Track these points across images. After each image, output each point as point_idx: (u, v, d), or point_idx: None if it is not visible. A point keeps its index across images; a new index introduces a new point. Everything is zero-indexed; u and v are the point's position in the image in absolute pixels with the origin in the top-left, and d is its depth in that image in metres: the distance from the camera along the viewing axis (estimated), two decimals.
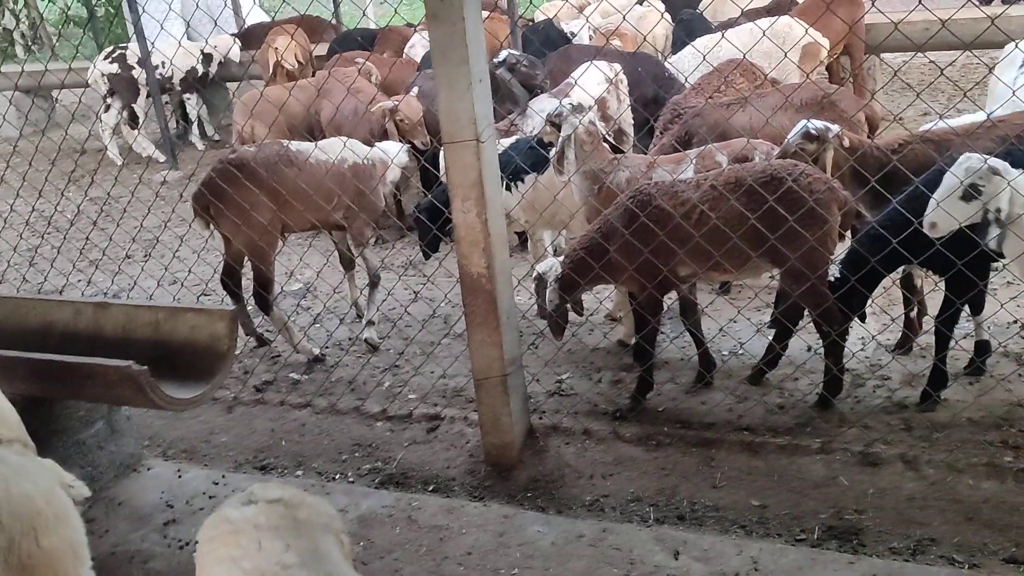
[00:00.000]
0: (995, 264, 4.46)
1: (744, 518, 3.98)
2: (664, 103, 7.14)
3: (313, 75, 10.60)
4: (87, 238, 6.89)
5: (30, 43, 20.00)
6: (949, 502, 3.90)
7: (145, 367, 3.65)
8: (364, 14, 15.67)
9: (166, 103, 12.84)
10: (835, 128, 4.91)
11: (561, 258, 4.99)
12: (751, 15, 9.23)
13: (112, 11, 17.98)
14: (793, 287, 4.55)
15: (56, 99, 13.56)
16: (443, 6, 3.78)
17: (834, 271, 4.49)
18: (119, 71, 12.05)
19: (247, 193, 5.58)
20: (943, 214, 3.95)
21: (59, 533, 2.53)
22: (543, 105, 6.90)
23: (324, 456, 4.90)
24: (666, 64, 8.64)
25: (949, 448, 4.26)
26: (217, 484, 4.51)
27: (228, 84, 13.81)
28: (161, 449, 5.16)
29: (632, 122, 7.99)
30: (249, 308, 6.34)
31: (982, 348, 4.86)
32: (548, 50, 9.18)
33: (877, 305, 5.02)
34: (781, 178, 4.37)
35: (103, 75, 12.06)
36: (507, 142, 6.32)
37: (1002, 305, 4.63)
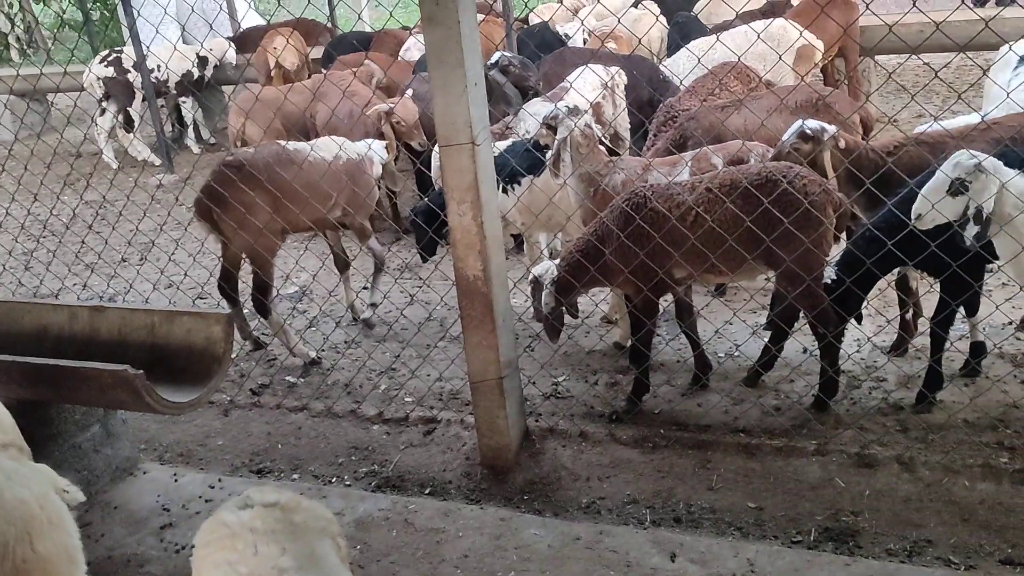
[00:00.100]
0: (990, 266, 4.47)
1: (740, 520, 3.98)
2: (659, 106, 7.15)
3: (309, 78, 10.61)
4: (83, 242, 6.89)
5: (25, 47, 19.97)
6: (945, 503, 3.91)
7: (141, 371, 3.65)
8: (359, 17, 15.69)
9: (161, 107, 12.85)
10: (831, 129, 4.92)
11: (557, 261, 4.99)
12: (746, 18, 9.25)
13: (107, 15, 17.97)
14: (789, 289, 4.55)
15: (51, 103, 13.59)
16: (438, 9, 3.79)
17: (830, 273, 4.50)
18: (115, 75, 12.06)
19: (248, 195, 5.59)
20: (929, 206, 3.98)
21: (54, 538, 2.53)
22: (537, 108, 6.91)
23: (320, 459, 4.90)
24: (661, 67, 8.65)
25: (945, 449, 4.27)
26: (213, 488, 4.51)
27: (223, 87, 13.82)
28: (157, 453, 5.16)
29: (628, 126, 8.00)
30: (245, 311, 6.34)
31: (977, 350, 4.87)
32: (543, 53, 9.19)
33: (872, 307, 5.03)
34: (776, 180, 4.38)
35: (99, 79, 12.07)
36: (503, 145, 6.33)
37: (997, 307, 4.65)
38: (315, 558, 2.25)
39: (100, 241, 7.05)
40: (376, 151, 6.43)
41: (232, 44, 13.27)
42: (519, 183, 6.06)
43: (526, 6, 13.47)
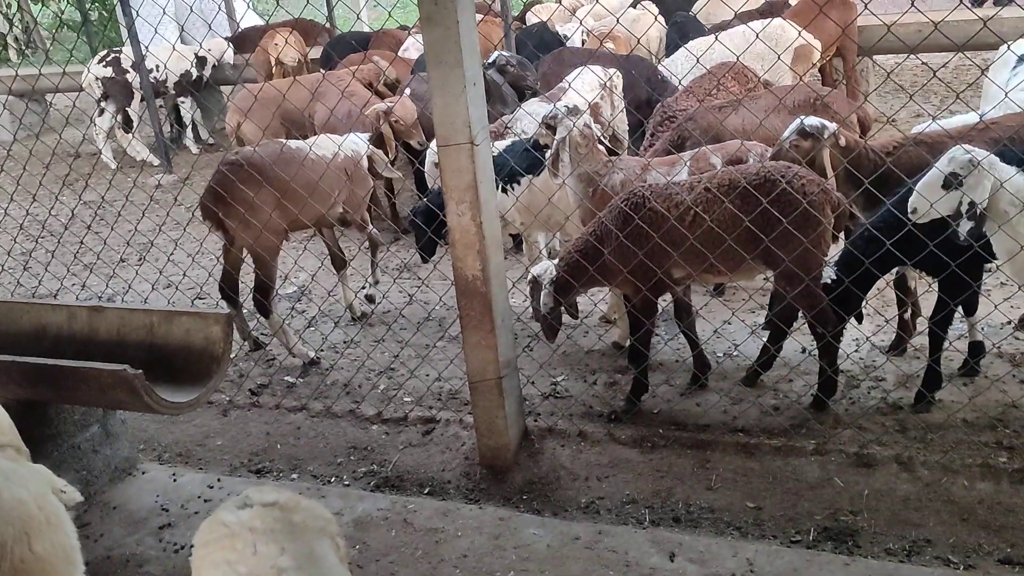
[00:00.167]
0: (988, 265, 4.47)
1: (739, 520, 3.99)
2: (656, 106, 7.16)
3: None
4: (81, 242, 6.88)
5: (24, 47, 19.97)
6: (944, 503, 3.91)
7: (140, 371, 3.64)
8: (358, 17, 15.68)
9: (160, 107, 12.84)
10: (832, 126, 4.91)
11: (555, 261, 4.99)
12: (744, 17, 9.25)
13: (106, 15, 17.96)
14: (787, 289, 4.55)
15: (50, 103, 13.58)
16: (437, 9, 3.78)
17: (829, 273, 4.50)
18: (113, 75, 12.05)
19: (253, 194, 5.61)
20: (923, 200, 3.98)
21: (52, 538, 2.52)
22: (535, 109, 6.91)
23: (319, 459, 4.90)
24: (660, 67, 8.66)
25: (944, 449, 4.27)
26: (212, 488, 4.50)
27: (222, 87, 13.82)
28: (156, 453, 5.16)
29: (627, 127, 8.01)
30: (244, 312, 6.34)
31: (976, 349, 4.88)
32: (542, 53, 9.20)
33: (871, 306, 5.03)
34: (775, 180, 4.38)
35: (97, 79, 12.07)
36: (502, 144, 6.32)
37: (996, 306, 4.65)
38: (314, 558, 2.25)
39: (99, 241, 7.04)
40: (359, 143, 6.52)
41: (231, 44, 13.28)
42: (518, 183, 6.07)
43: (524, 5, 13.46)
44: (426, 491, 4.48)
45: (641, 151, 6.75)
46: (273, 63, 11.54)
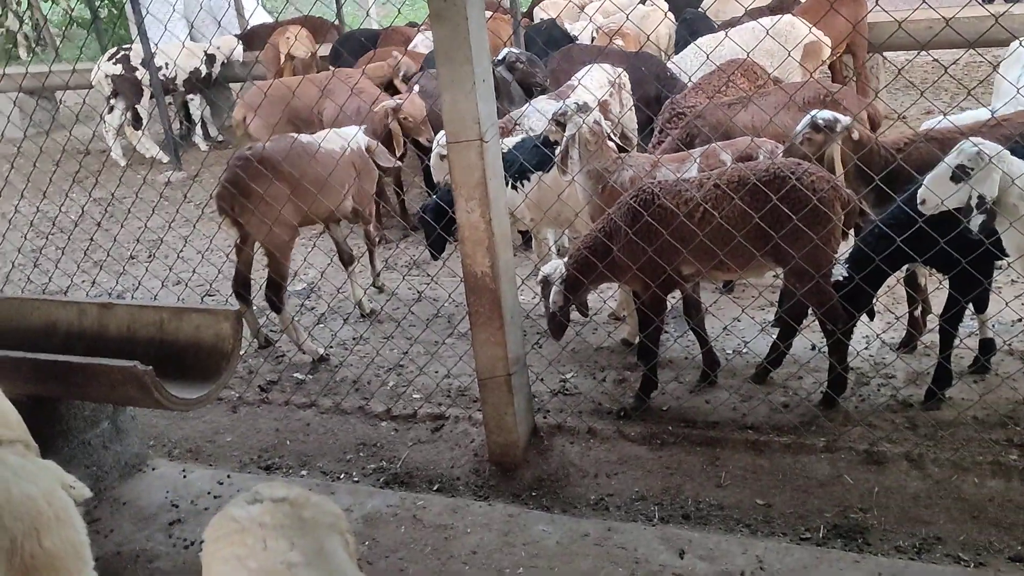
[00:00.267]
0: (999, 262, 4.45)
1: (749, 517, 3.98)
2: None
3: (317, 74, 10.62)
4: (91, 239, 6.90)
5: (34, 44, 20.02)
6: (954, 500, 3.90)
7: (150, 367, 3.65)
8: (367, 14, 15.69)
9: (169, 104, 12.87)
10: (845, 120, 4.88)
11: (565, 259, 4.99)
12: (754, 14, 9.23)
13: (115, 12, 18.01)
14: (797, 286, 4.54)
15: (60, 100, 13.59)
16: (446, 6, 3.78)
17: (840, 271, 4.49)
18: (123, 72, 12.08)
19: (270, 187, 5.64)
20: (935, 190, 3.97)
21: (61, 534, 2.53)
22: (543, 106, 6.91)
23: (329, 456, 4.90)
24: (669, 64, 8.64)
25: (954, 446, 4.26)
26: (222, 484, 4.52)
27: (231, 85, 13.84)
28: (166, 449, 5.17)
29: (636, 126, 8.00)
30: (254, 308, 6.35)
31: (987, 346, 4.86)
32: (551, 50, 9.19)
33: (881, 303, 5.01)
34: (785, 177, 4.37)
35: (107, 76, 12.10)
36: (511, 141, 6.32)
37: (1007, 303, 4.63)
38: (324, 553, 2.25)
39: (109, 238, 7.05)
40: (358, 136, 6.58)
41: (240, 41, 13.30)
42: (528, 179, 6.06)
43: (532, 1, 13.45)
44: (435, 488, 4.48)
45: (650, 148, 6.74)
46: (283, 58, 11.54)
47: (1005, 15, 8.07)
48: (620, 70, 7.76)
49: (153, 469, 4.72)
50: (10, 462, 2.61)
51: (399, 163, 6.81)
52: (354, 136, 6.43)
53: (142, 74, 12.02)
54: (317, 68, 11.74)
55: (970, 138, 3.96)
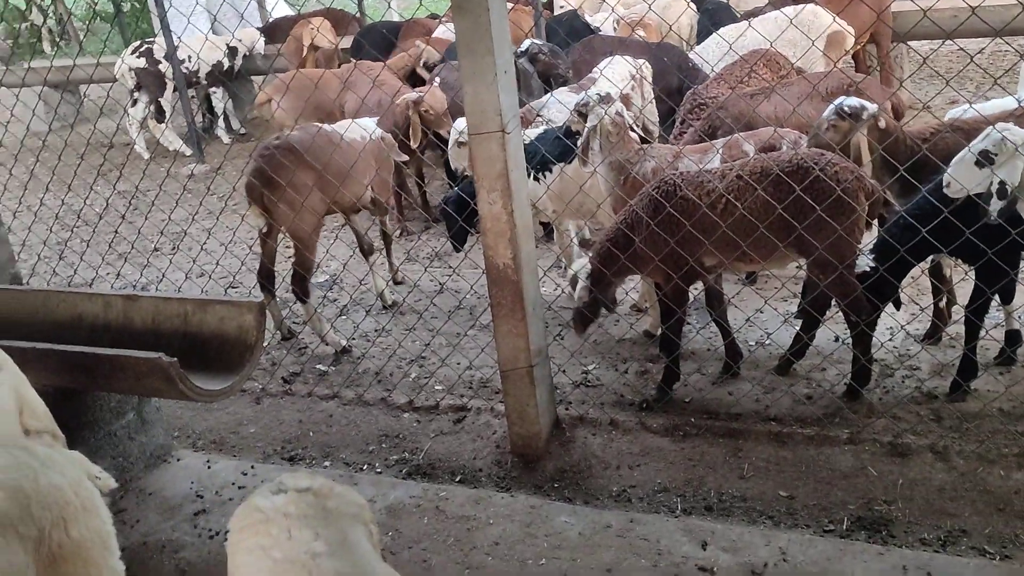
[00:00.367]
0: None
1: (772, 509, 3.97)
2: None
3: (339, 67, 10.64)
4: (116, 231, 6.96)
5: (58, 38, 20.15)
6: (980, 493, 3.87)
7: (174, 358, 3.68)
8: (389, 6, 15.67)
9: (192, 97, 12.93)
10: (872, 107, 4.83)
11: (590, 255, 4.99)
12: (777, 3, 9.16)
13: (138, 6, 18.08)
14: (820, 277, 4.52)
15: (84, 94, 13.71)
16: None
17: (866, 262, 4.46)
18: (146, 65, 12.15)
19: (297, 176, 5.67)
20: (959, 175, 3.95)
21: (88, 523, 2.55)
22: (564, 98, 6.90)
23: (352, 447, 4.92)
24: (691, 54, 8.60)
25: (980, 438, 4.23)
26: (246, 475, 4.54)
27: (253, 78, 13.88)
28: (191, 440, 5.21)
29: (657, 119, 7.97)
30: (277, 300, 6.38)
31: (1013, 338, 4.82)
32: (572, 40, 9.16)
33: (906, 295, 4.98)
34: (808, 167, 4.34)
35: (130, 69, 12.17)
36: (533, 133, 6.31)
37: None
38: (348, 544, 2.26)
39: (133, 231, 7.10)
40: (372, 126, 6.62)
41: (262, 34, 13.34)
42: (550, 171, 6.06)
43: None
44: (458, 479, 4.49)
45: (672, 139, 6.71)
46: (306, 48, 11.56)
47: None
48: (642, 61, 7.73)
49: (178, 460, 4.76)
50: (38, 452, 2.63)
51: (405, 156, 6.82)
52: (374, 128, 6.46)
53: (165, 67, 12.08)
54: (339, 60, 11.76)
55: (997, 125, 3.93)
